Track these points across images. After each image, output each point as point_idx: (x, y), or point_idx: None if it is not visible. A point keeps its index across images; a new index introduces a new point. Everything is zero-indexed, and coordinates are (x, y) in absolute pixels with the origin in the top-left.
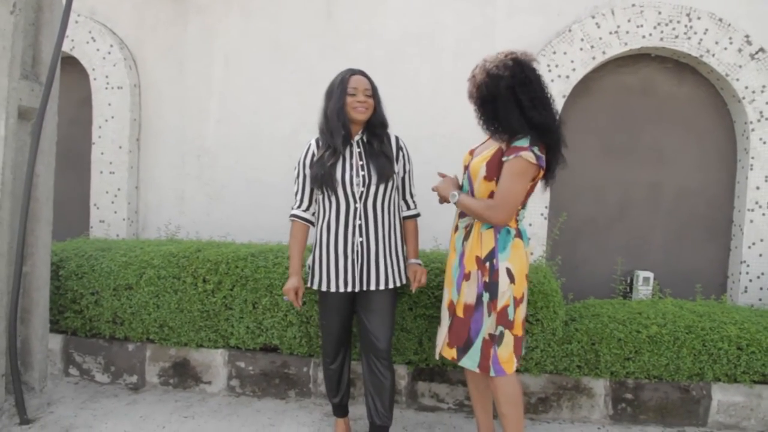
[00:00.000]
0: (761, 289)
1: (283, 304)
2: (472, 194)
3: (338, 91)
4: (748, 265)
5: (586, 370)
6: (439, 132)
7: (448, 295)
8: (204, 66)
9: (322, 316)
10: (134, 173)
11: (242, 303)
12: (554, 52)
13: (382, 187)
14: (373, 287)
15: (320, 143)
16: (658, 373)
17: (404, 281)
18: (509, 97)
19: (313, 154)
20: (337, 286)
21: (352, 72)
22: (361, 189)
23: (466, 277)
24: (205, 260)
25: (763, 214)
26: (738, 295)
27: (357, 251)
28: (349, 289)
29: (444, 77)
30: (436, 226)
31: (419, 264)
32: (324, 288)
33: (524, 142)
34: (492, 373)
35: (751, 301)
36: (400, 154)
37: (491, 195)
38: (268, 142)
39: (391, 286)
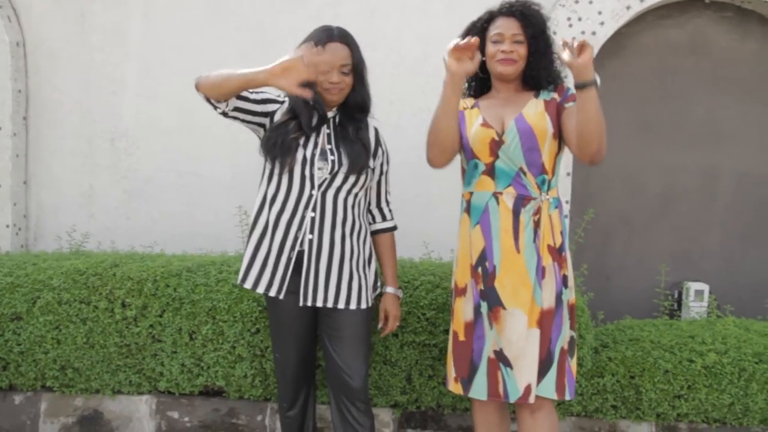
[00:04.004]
0: None
1: (230, 333)
2: (532, 167)
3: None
4: None
5: (624, 412)
6: (428, 107)
7: (530, 313)
8: (116, 19)
9: (275, 346)
10: (21, 163)
11: (175, 333)
12: (576, 1)
13: (351, 180)
14: (329, 303)
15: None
16: (720, 416)
17: (371, 303)
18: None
19: (280, 106)
20: (271, 289)
21: (329, 37)
22: (325, 175)
23: (543, 274)
24: (125, 278)
25: None
26: None
27: (303, 250)
28: (282, 295)
29: (434, 36)
30: (427, 228)
31: (398, 297)
32: (261, 289)
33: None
34: (567, 396)
35: None
36: (379, 150)
37: (555, 161)
38: (206, 122)
39: (363, 306)
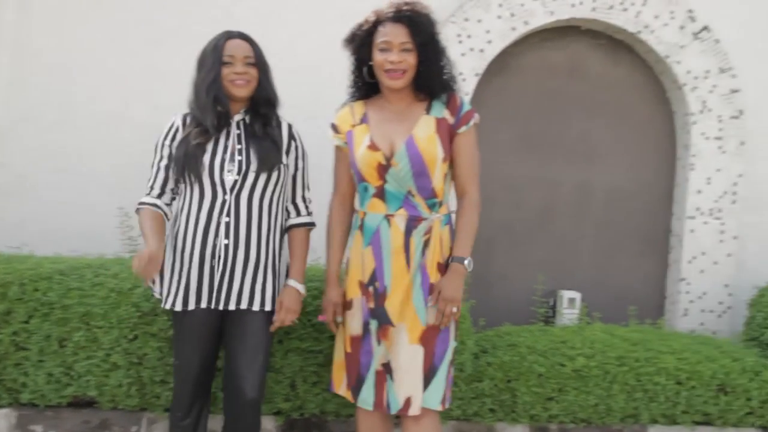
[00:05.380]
0: (703, 311)
1: (105, 340)
2: (422, 191)
3: (211, 59)
4: (688, 283)
5: (500, 414)
6: (321, 113)
7: (411, 329)
8: None
9: (177, 353)
10: None
11: (43, 340)
12: (466, 19)
13: (263, 179)
14: (244, 305)
15: (187, 120)
16: (586, 416)
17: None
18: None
19: (176, 131)
20: (186, 301)
21: (229, 35)
22: (235, 177)
23: (430, 292)
24: None
25: (705, 223)
26: (677, 319)
27: (220, 256)
28: (203, 304)
29: (330, 45)
30: (315, 234)
31: (299, 291)
32: (178, 307)
33: (468, 104)
34: (447, 404)
35: (692, 325)
36: (293, 145)
37: (445, 182)
38: (86, 117)
39: (268, 307)
